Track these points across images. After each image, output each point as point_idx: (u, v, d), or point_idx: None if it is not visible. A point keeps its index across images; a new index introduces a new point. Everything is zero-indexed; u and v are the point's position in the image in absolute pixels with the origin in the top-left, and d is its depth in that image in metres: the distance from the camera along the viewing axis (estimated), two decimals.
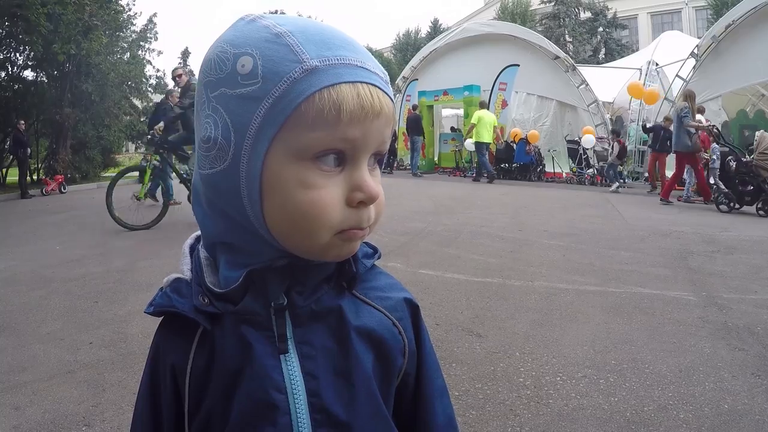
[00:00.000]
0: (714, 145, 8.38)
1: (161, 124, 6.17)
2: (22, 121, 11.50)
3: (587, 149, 11.91)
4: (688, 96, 8.30)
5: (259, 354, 0.50)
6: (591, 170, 11.87)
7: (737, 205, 7.39)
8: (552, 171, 12.54)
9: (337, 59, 0.46)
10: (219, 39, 0.49)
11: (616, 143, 10.80)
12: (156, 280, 3.71)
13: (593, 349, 2.64)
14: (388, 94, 0.49)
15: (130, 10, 14.63)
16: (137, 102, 15.94)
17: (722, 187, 7.61)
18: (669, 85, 12.24)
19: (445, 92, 14.31)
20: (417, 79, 16.18)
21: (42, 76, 13.26)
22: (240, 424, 0.50)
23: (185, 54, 35.00)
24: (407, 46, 34.69)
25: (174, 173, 6.37)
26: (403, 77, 16.81)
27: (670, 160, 9.71)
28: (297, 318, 0.52)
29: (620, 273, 4.03)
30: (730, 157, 7.69)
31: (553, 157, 12.43)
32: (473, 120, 11.59)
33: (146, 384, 0.55)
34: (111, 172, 12.74)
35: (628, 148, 12.40)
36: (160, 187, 6.77)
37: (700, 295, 3.48)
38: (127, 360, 2.51)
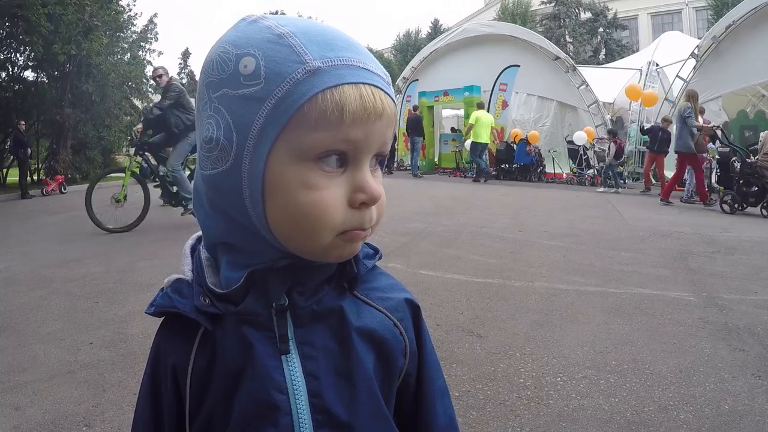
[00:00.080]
0: (710, 145, 8.34)
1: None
2: (23, 122, 11.52)
3: (587, 149, 11.91)
4: (691, 96, 8.26)
5: (261, 354, 0.50)
6: (591, 171, 11.87)
7: (742, 206, 7.34)
8: (552, 172, 12.56)
9: (340, 60, 0.46)
10: (221, 40, 0.49)
11: (612, 144, 10.80)
12: (156, 280, 3.71)
13: (593, 350, 2.64)
14: (390, 96, 0.49)
15: (130, 10, 14.71)
16: (138, 102, 15.98)
17: (719, 187, 7.57)
18: (669, 85, 12.24)
19: (446, 93, 14.32)
20: (417, 80, 16.18)
21: (42, 77, 13.30)
22: (241, 424, 0.50)
23: (185, 54, 35.11)
24: (407, 46, 34.69)
25: (153, 174, 6.11)
26: (404, 78, 16.81)
27: (668, 160, 9.70)
28: (298, 318, 0.52)
29: (620, 274, 4.03)
30: (734, 158, 7.68)
31: (553, 158, 12.44)
32: (471, 121, 11.62)
33: (147, 384, 0.55)
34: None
35: (629, 149, 12.39)
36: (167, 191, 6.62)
37: (700, 296, 3.48)
38: (127, 360, 2.51)
